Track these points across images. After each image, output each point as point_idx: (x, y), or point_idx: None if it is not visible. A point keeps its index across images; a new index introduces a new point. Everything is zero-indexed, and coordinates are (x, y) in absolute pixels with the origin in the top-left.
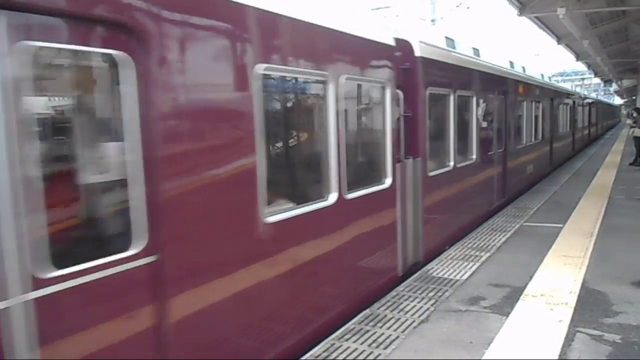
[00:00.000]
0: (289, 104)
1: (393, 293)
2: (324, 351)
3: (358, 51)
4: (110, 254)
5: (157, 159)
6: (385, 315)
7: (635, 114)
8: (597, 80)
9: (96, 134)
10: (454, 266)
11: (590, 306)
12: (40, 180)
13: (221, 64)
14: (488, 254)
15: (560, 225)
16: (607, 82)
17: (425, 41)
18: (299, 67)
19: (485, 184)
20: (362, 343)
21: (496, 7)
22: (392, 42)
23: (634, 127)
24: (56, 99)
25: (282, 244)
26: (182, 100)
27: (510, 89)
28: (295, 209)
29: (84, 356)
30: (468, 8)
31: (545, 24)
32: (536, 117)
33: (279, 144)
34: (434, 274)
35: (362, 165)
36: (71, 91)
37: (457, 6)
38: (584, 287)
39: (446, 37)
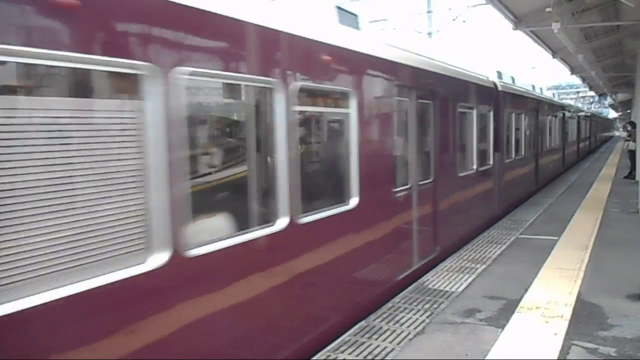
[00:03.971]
0: None
1: (389, 305)
2: None
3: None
4: None
5: None
6: (381, 327)
7: (630, 128)
8: (591, 93)
9: None
10: (449, 278)
11: (585, 319)
12: None
13: None
14: (484, 266)
15: (556, 238)
16: (601, 95)
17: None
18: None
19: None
20: (357, 355)
21: (492, 20)
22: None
23: (629, 140)
24: None
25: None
26: None
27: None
28: None
29: None
30: (464, 22)
31: (540, 38)
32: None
33: None
34: (430, 286)
35: None
36: None
37: (454, 19)
38: (579, 299)
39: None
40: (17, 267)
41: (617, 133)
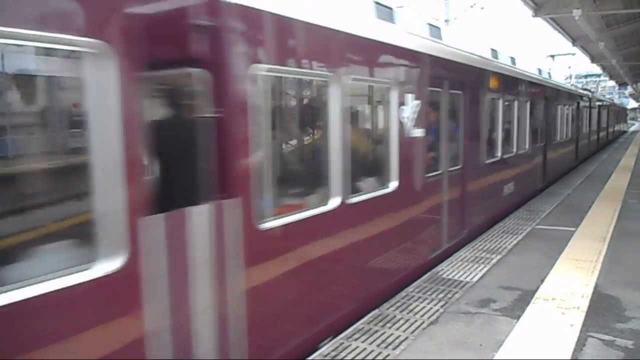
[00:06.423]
0: None
1: (403, 294)
2: (333, 350)
3: None
4: None
5: None
6: (395, 316)
7: None
8: (612, 83)
9: None
10: (464, 268)
11: (602, 311)
12: None
13: None
14: (499, 257)
15: (573, 229)
16: (622, 85)
17: None
18: None
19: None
20: (371, 343)
21: (511, 7)
22: None
23: None
24: None
25: None
26: None
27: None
28: None
29: None
30: (482, 8)
31: (560, 25)
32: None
33: None
34: (444, 276)
35: None
36: None
37: (471, 6)
38: (596, 291)
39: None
40: None
41: (635, 125)
